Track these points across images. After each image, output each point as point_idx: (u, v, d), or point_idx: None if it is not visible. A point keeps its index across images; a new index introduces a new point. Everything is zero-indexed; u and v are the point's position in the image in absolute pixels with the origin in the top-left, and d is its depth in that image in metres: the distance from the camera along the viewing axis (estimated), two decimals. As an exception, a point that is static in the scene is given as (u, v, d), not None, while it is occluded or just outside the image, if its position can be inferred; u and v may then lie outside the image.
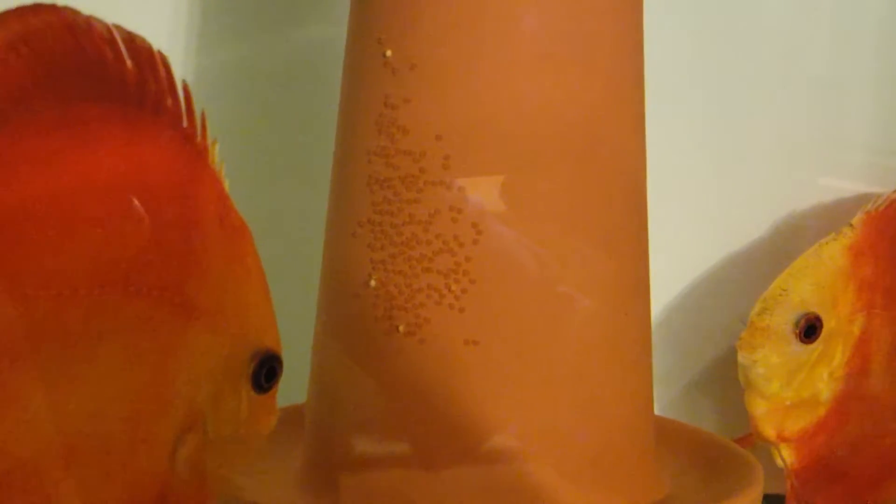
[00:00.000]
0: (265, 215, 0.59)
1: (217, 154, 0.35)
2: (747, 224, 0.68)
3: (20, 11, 0.31)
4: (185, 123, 0.34)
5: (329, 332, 0.47)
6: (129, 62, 0.33)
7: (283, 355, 0.39)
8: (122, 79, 0.33)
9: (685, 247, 0.67)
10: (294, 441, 0.49)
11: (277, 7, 0.60)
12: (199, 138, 0.34)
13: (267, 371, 0.36)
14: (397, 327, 0.44)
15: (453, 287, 0.43)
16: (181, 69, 0.57)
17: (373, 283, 0.44)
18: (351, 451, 0.46)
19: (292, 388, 0.45)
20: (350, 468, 0.46)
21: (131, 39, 0.33)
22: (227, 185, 0.35)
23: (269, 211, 0.60)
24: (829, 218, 0.66)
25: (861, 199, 0.62)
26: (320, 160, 0.49)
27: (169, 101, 0.34)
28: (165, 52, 0.34)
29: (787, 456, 0.58)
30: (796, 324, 0.56)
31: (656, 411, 0.50)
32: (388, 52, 0.44)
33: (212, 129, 0.50)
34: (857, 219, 0.58)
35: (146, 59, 0.33)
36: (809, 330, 0.56)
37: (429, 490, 0.44)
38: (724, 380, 0.63)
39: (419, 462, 0.44)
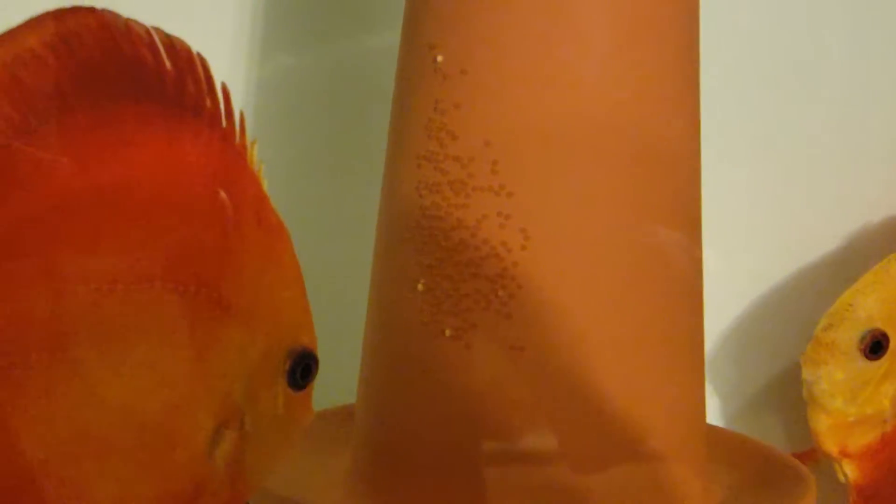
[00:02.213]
0: (320, 217, 0.59)
1: (256, 154, 0.35)
2: (816, 237, 0.67)
3: (58, 13, 0.31)
4: (223, 124, 0.34)
5: (378, 334, 0.47)
6: (168, 64, 0.33)
7: (331, 355, 0.39)
8: (162, 80, 0.33)
9: (752, 259, 0.66)
10: (343, 441, 0.49)
11: (336, 14, 0.61)
12: (237, 139, 0.34)
13: (303, 369, 0.36)
14: (444, 331, 0.44)
15: (500, 292, 0.43)
16: (244, 76, 0.58)
17: (420, 287, 0.44)
18: (398, 453, 0.46)
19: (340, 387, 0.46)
20: (397, 470, 0.46)
21: (170, 42, 0.33)
22: (265, 184, 0.35)
23: (325, 212, 0.60)
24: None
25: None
26: (374, 166, 0.49)
27: (208, 103, 0.34)
28: (229, 61, 0.34)
29: (849, 472, 0.57)
30: (862, 340, 0.55)
31: (720, 424, 0.49)
32: (440, 58, 0.44)
33: (270, 133, 0.51)
34: (927, 235, 0.56)
35: (185, 61, 0.33)
36: (875, 346, 0.55)
37: (472, 492, 0.44)
38: (790, 394, 0.62)
39: (464, 464, 0.44)
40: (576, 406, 0.43)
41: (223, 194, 0.34)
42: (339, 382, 0.45)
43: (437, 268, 0.44)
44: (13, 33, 0.31)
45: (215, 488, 0.35)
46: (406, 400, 0.45)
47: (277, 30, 0.60)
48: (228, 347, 0.34)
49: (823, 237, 0.67)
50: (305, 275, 0.37)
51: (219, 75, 0.34)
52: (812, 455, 0.57)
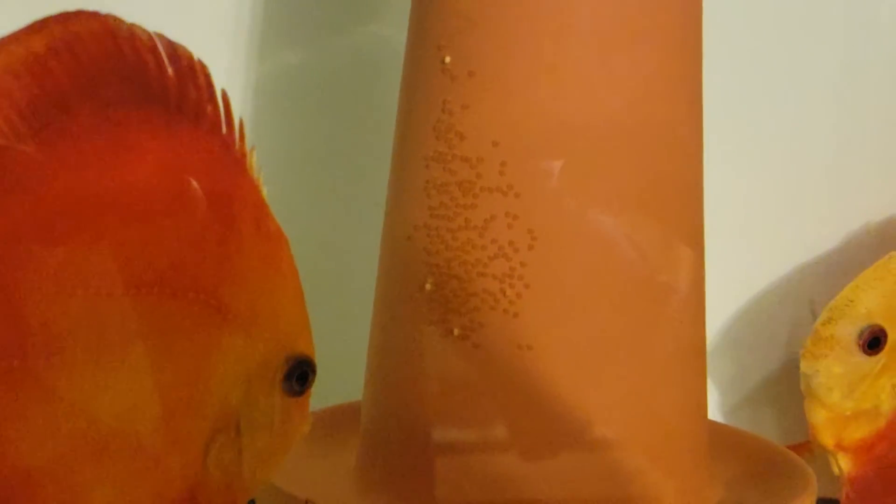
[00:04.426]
0: (323, 214, 0.57)
1: (255, 161, 0.33)
2: (815, 234, 0.64)
3: (62, 17, 0.29)
4: (224, 131, 0.32)
5: (385, 333, 0.45)
6: (170, 70, 0.31)
7: (336, 353, 0.37)
8: (163, 86, 0.31)
9: (751, 255, 0.64)
10: (350, 438, 0.47)
11: (339, 9, 0.58)
12: (237, 145, 0.33)
13: (299, 375, 0.34)
14: (452, 330, 0.42)
15: (508, 292, 0.41)
16: (244, 73, 0.55)
17: (428, 286, 0.42)
18: (404, 450, 0.44)
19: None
20: (403, 466, 0.44)
21: (173, 48, 0.31)
22: (265, 191, 0.33)
23: (327, 209, 0.58)
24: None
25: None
26: (380, 163, 0.47)
27: (209, 109, 0.32)
28: (227, 58, 0.32)
29: (843, 465, 0.56)
30: (860, 335, 0.54)
31: (718, 419, 0.47)
32: (447, 59, 0.41)
33: (272, 132, 0.48)
34: (927, 232, 0.55)
35: (187, 67, 0.31)
36: (874, 342, 0.54)
37: (479, 487, 0.42)
38: (787, 388, 0.60)
39: (471, 461, 0.42)
40: (584, 404, 0.42)
41: (215, 195, 0.32)
42: (343, 379, 0.43)
43: (444, 267, 0.42)
44: (16, 36, 0.29)
45: (210, 494, 0.33)
46: (413, 398, 0.43)
47: (278, 25, 0.57)
48: (226, 354, 0.32)
49: (822, 234, 0.65)
50: (310, 271, 0.36)
51: (218, 72, 0.32)
52: (806, 447, 0.56)
